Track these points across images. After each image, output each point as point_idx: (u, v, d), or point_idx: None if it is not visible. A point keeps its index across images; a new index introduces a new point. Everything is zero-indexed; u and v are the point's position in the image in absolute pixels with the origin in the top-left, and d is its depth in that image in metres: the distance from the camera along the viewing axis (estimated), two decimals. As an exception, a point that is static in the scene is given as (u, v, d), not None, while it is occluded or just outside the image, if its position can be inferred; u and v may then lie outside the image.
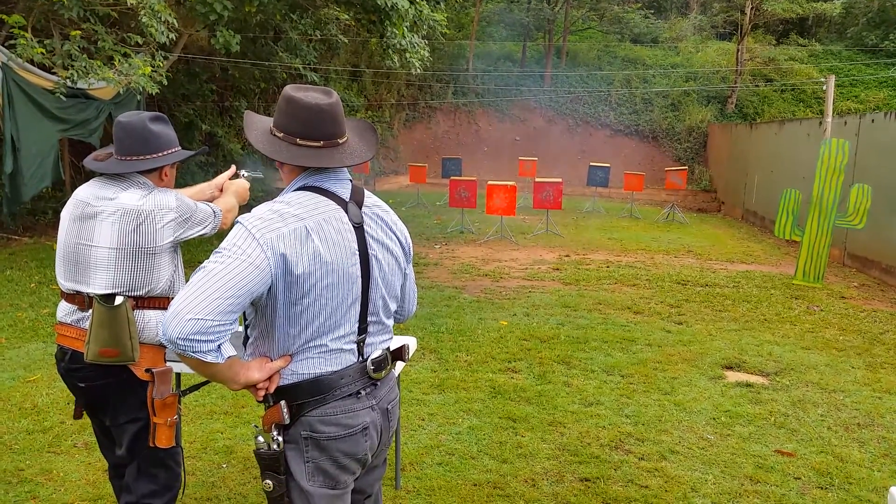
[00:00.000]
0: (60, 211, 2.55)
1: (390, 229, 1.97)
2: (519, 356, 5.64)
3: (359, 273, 1.84)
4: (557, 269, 9.29)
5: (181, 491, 2.70)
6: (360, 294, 1.85)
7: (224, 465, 3.74)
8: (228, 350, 1.70)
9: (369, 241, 1.88)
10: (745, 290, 8.27)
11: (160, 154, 2.51)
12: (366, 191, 1.97)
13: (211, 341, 1.64)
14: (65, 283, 2.47)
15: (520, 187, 13.94)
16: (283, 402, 1.80)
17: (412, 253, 2.11)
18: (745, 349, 5.97)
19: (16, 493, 3.41)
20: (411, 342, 3.37)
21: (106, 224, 2.41)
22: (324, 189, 1.85)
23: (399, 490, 3.53)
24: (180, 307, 1.61)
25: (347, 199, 1.87)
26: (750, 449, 4.10)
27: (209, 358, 1.65)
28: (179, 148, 2.61)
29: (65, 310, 2.50)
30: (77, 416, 2.65)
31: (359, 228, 1.86)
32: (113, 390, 2.46)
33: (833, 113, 10.84)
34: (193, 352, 1.63)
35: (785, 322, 6.92)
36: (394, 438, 3.57)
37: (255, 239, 1.69)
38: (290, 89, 1.86)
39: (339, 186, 1.88)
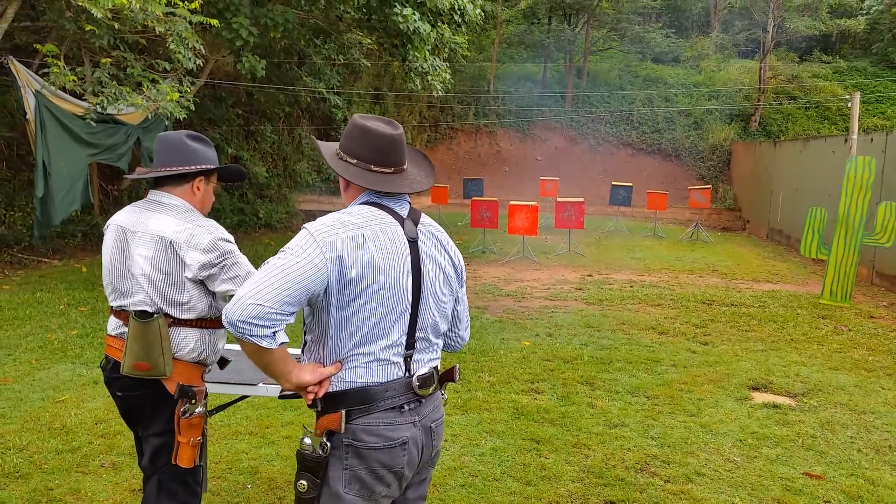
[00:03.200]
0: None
1: (444, 248, 2.09)
2: (542, 377, 5.62)
3: (409, 284, 1.94)
4: (580, 289, 9.25)
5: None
6: (409, 306, 1.95)
7: (248, 486, 3.76)
8: (282, 337, 1.83)
9: (422, 256, 2.00)
10: (772, 310, 8.16)
11: (193, 167, 2.57)
12: (422, 213, 2.11)
13: (266, 327, 1.77)
14: (112, 301, 2.59)
15: (542, 207, 13.96)
16: (343, 412, 1.90)
17: (465, 276, 2.19)
18: (772, 370, 5.88)
19: (45, 512, 3.47)
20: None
21: (140, 248, 2.50)
22: (384, 205, 2.00)
23: (422, 512, 3.52)
24: (244, 294, 1.76)
25: (405, 217, 2.01)
26: (777, 471, 4.03)
27: (264, 343, 1.78)
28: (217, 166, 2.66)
29: (113, 324, 2.61)
30: None
31: (413, 243, 1.98)
32: (146, 402, 2.54)
33: (859, 130, 10.75)
34: (251, 335, 1.76)
35: (812, 342, 6.81)
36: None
37: (315, 241, 1.85)
38: (360, 119, 2.03)
39: (399, 206, 2.03)
